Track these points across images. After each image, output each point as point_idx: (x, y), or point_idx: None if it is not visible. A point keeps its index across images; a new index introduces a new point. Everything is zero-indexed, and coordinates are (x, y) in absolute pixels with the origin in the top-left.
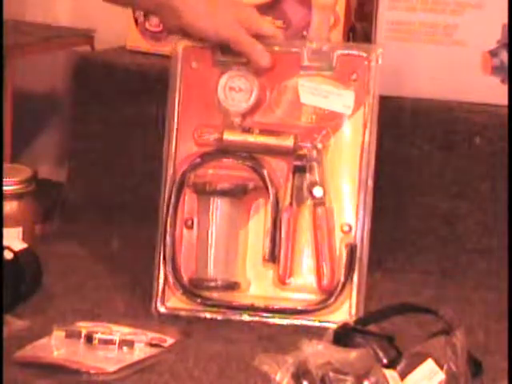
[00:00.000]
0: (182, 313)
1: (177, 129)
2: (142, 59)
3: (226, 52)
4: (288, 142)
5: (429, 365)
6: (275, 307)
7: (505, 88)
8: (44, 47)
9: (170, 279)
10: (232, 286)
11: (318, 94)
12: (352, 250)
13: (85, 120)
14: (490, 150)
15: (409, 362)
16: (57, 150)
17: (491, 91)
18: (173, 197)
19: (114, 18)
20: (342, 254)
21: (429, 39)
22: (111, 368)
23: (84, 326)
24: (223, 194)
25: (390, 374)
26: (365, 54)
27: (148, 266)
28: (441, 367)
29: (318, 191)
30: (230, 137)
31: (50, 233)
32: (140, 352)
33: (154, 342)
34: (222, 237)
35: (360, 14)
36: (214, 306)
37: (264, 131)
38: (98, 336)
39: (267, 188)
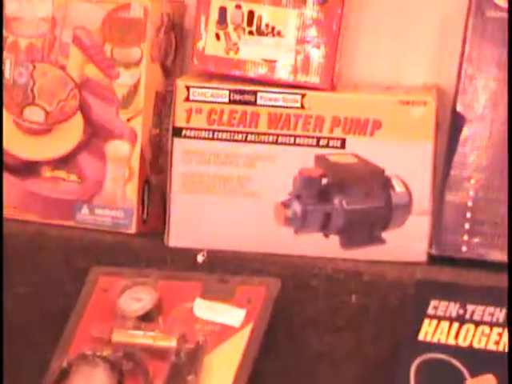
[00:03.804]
0: None
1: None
2: None
3: None
4: (172, 343)
5: None
6: None
7: (298, 239)
8: None
9: None
10: None
11: (213, 310)
12: None
13: None
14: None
15: None
16: None
17: (284, 242)
18: None
19: None
20: None
21: (223, 190)
22: None
23: None
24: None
25: None
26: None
27: None
28: None
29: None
30: (118, 338)
31: None
32: None
33: None
34: None
35: (155, 166)
36: None
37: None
38: None
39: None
